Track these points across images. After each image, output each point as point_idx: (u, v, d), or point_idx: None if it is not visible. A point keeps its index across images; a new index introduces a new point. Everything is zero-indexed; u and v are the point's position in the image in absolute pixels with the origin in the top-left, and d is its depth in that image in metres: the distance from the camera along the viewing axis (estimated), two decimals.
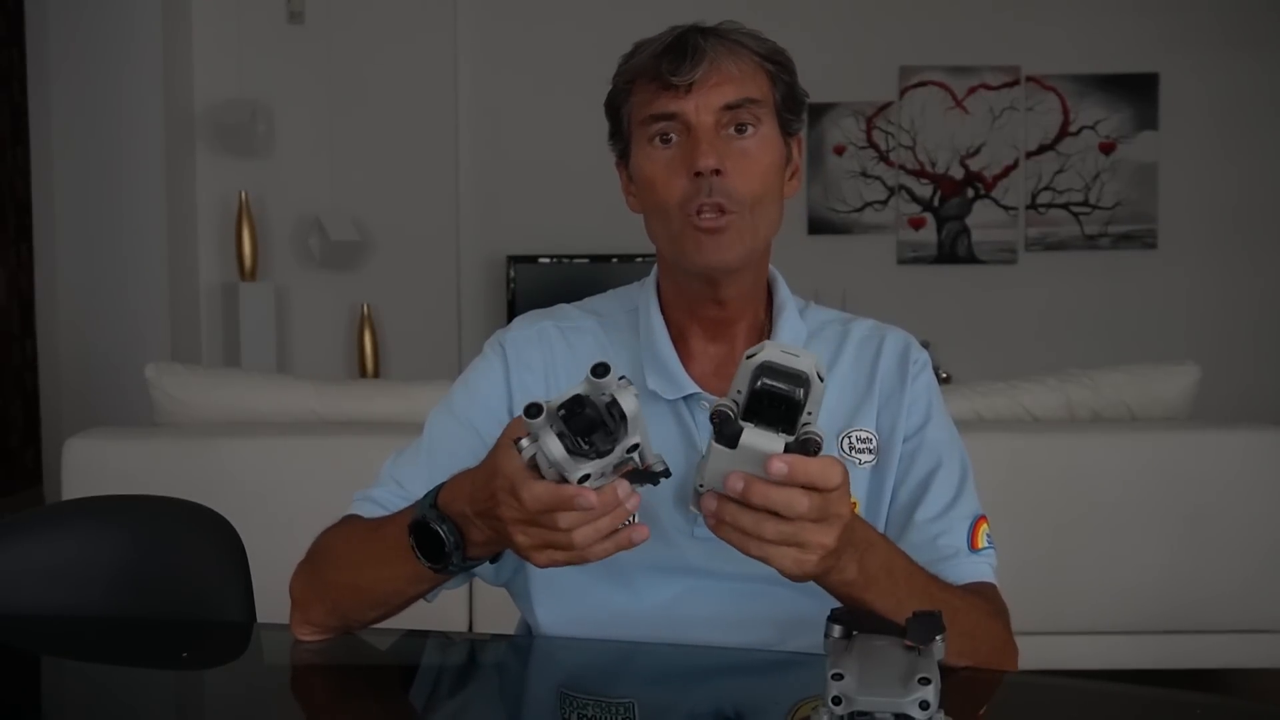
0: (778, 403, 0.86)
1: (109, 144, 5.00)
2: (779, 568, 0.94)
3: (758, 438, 0.87)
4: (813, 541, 0.92)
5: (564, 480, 0.90)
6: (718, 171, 1.19)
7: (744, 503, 0.90)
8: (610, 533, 0.95)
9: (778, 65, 1.25)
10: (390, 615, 1.21)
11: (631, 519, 0.95)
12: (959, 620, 1.10)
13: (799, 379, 0.86)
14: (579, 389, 0.89)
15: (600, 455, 0.89)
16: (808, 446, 0.88)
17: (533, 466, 0.93)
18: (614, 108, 1.28)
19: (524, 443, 0.91)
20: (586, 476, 0.89)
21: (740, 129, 1.21)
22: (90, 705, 1.15)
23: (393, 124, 5.37)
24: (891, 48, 5.52)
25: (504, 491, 0.96)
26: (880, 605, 1.02)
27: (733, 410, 0.87)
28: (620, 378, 0.89)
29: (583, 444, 0.89)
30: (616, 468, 0.91)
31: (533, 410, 0.88)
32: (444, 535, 1.05)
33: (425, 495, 1.09)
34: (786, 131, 1.26)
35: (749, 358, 0.88)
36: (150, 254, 5.02)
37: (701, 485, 0.92)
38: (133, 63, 4.98)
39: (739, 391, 0.88)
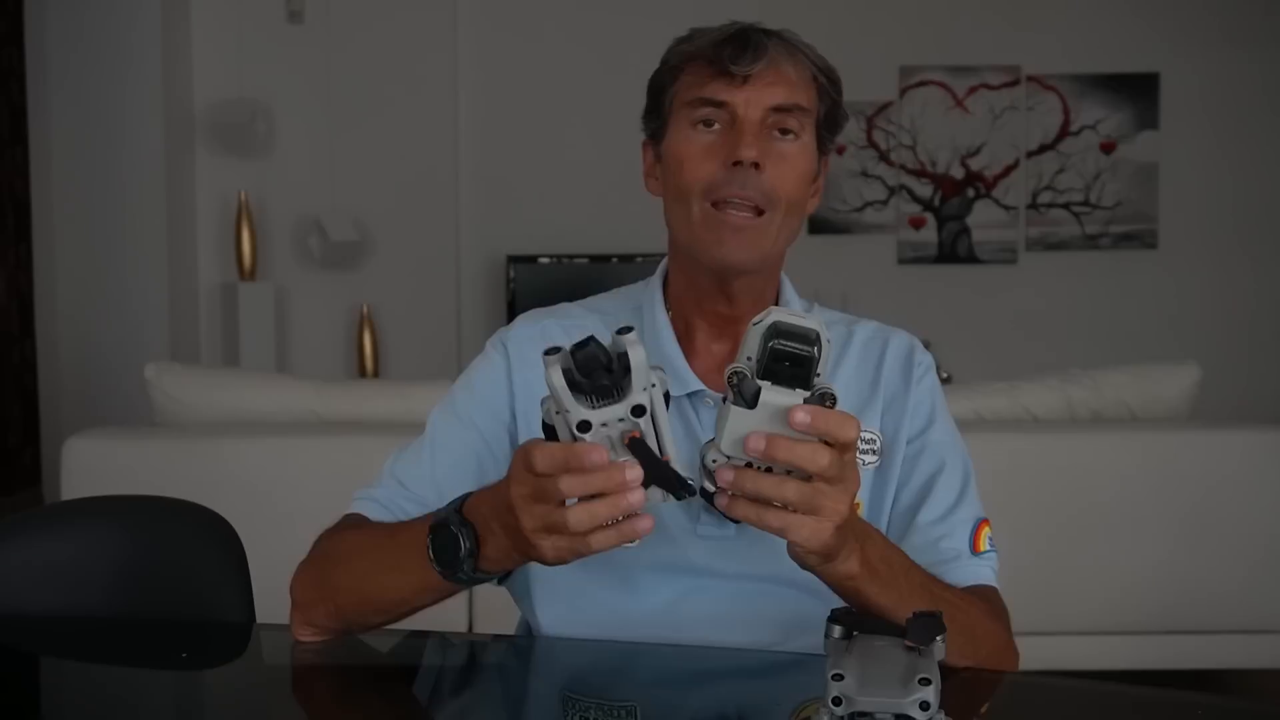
0: (792, 361, 0.88)
1: (109, 144, 5.00)
2: (797, 539, 0.93)
3: (776, 395, 0.88)
4: (828, 507, 0.92)
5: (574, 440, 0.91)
6: (756, 165, 1.19)
7: (766, 462, 0.90)
8: (610, 523, 0.93)
9: (829, 82, 1.25)
10: (393, 622, 1.20)
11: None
12: (957, 618, 1.09)
13: (810, 337, 0.88)
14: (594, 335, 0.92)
15: (599, 398, 0.90)
16: (825, 400, 0.89)
17: (549, 435, 0.94)
18: (658, 86, 1.27)
19: (544, 397, 0.93)
20: (586, 425, 0.90)
21: (783, 133, 1.22)
22: (90, 705, 1.14)
23: (393, 124, 5.37)
24: (891, 48, 5.52)
25: (518, 465, 0.95)
26: (882, 600, 1.02)
27: (748, 371, 0.89)
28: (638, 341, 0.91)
29: (583, 382, 0.90)
30: (623, 435, 0.91)
31: (551, 350, 0.91)
32: (461, 539, 1.03)
33: (452, 501, 1.08)
34: (821, 149, 1.27)
35: (756, 324, 0.90)
36: (150, 254, 5.02)
37: (714, 461, 0.92)
38: (133, 63, 4.98)
39: (749, 358, 0.90)
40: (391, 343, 5.39)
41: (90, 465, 2.72)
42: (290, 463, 2.76)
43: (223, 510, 1.45)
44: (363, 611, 1.18)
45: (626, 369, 0.90)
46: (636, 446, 0.91)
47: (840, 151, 5.58)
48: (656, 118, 1.28)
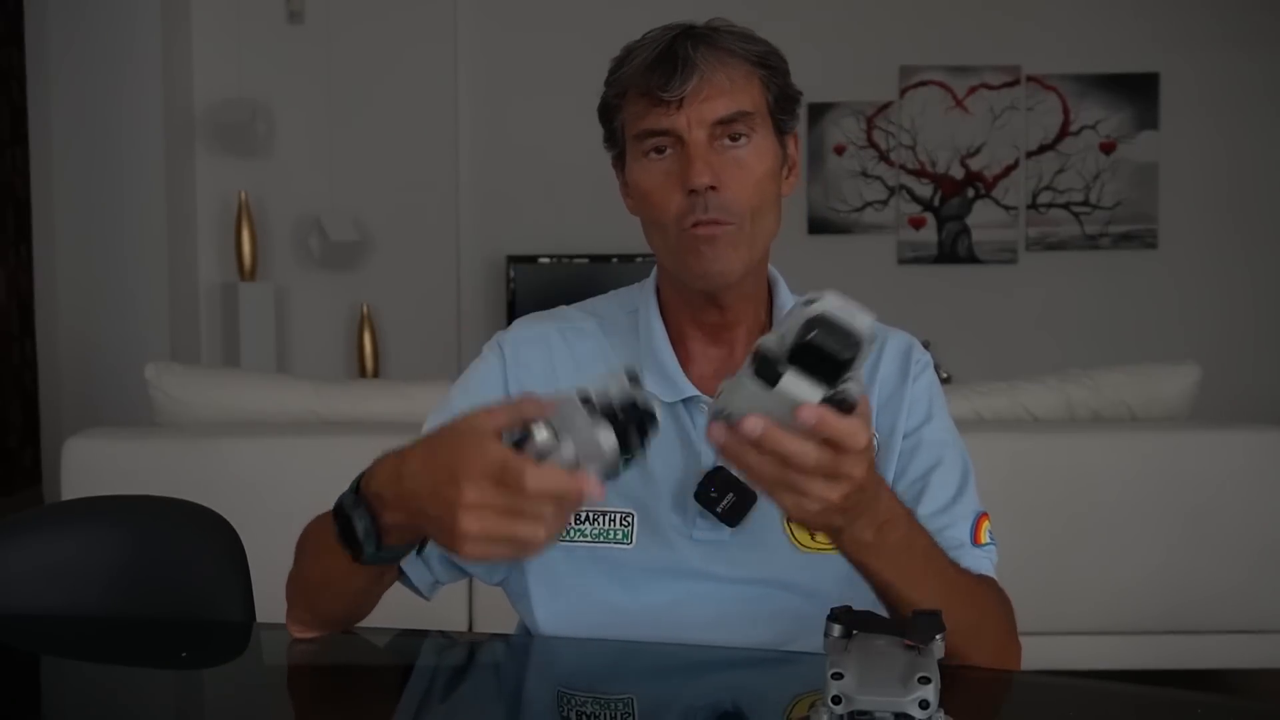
0: (825, 359, 0.84)
1: (109, 144, 5.00)
2: (779, 506, 0.93)
3: (797, 385, 0.84)
4: (814, 492, 0.91)
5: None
6: (713, 187, 1.18)
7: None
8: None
9: (769, 70, 1.22)
10: (358, 612, 1.20)
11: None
12: (977, 603, 1.11)
13: (852, 339, 0.83)
14: (628, 389, 0.90)
15: (630, 455, 0.90)
16: (844, 405, 0.86)
17: (518, 450, 0.91)
18: (606, 116, 1.27)
19: (541, 432, 0.90)
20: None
21: (734, 138, 1.20)
22: (90, 705, 1.14)
23: (393, 124, 5.37)
24: (891, 48, 5.52)
25: (478, 475, 0.91)
26: (893, 577, 1.03)
27: (775, 351, 0.85)
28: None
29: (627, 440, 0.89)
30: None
31: (585, 398, 0.89)
32: (354, 520, 1.01)
33: (354, 480, 1.05)
34: (781, 131, 1.25)
35: (806, 304, 0.85)
36: (150, 254, 5.03)
37: (722, 410, 0.88)
38: (133, 63, 4.98)
39: (784, 336, 0.85)
40: (391, 343, 5.39)
41: (90, 465, 2.72)
42: (290, 463, 2.76)
43: (223, 510, 1.46)
44: (323, 600, 1.17)
45: (654, 419, 0.91)
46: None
47: (840, 152, 5.58)
48: (614, 144, 1.27)
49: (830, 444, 0.88)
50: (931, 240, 5.62)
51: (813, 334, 0.83)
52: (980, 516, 1.24)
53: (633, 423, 0.89)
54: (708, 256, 1.20)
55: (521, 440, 0.92)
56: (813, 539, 1.21)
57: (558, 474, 0.90)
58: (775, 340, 0.85)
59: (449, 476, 0.92)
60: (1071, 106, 5.56)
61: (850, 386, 0.87)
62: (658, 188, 1.21)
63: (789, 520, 0.96)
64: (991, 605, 1.15)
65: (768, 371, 0.84)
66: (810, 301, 0.85)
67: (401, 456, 1.00)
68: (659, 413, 0.92)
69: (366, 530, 1.02)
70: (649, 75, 1.19)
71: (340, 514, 1.04)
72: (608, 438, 0.89)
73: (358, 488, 1.04)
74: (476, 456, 0.91)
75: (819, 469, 0.89)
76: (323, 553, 1.11)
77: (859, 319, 0.84)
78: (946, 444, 1.27)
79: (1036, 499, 2.78)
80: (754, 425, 0.87)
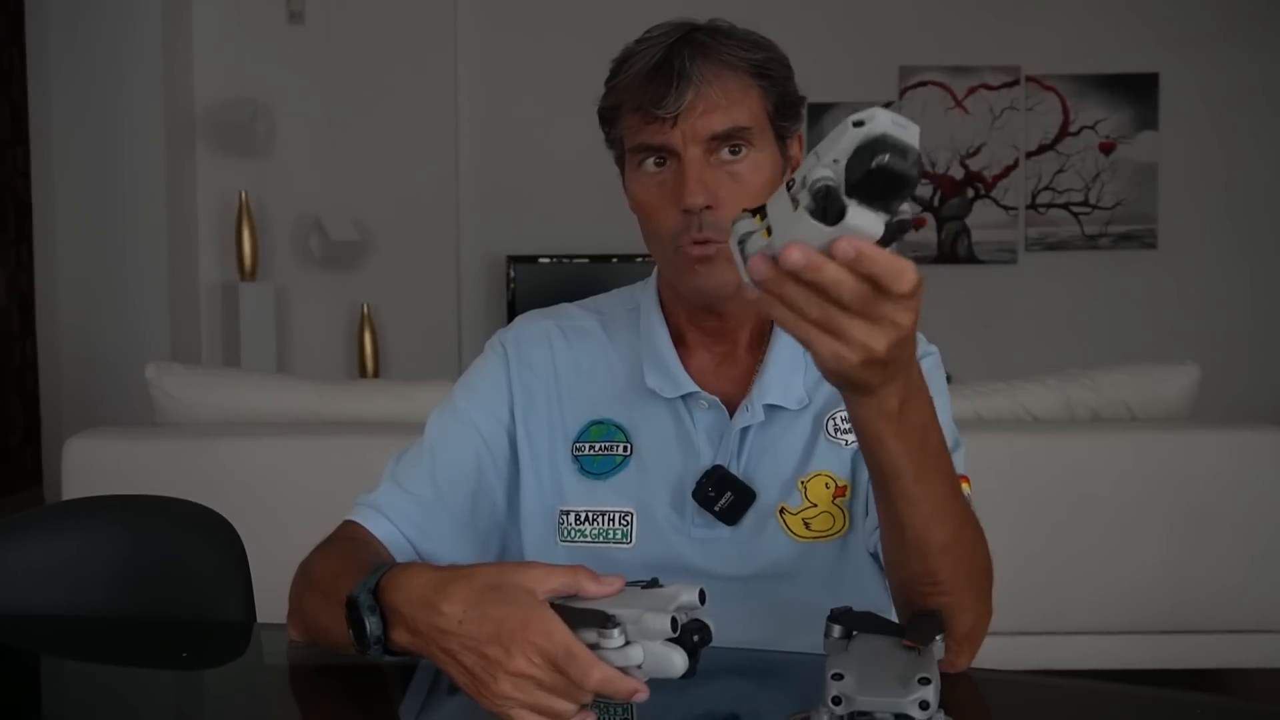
0: (891, 183, 0.74)
1: (109, 144, 5.00)
2: (817, 355, 0.83)
3: (860, 217, 0.76)
4: (855, 338, 0.81)
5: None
6: (708, 206, 1.17)
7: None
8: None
9: (769, 79, 1.20)
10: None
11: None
12: (972, 526, 1.05)
13: (913, 156, 0.74)
14: (699, 609, 0.92)
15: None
16: (903, 226, 0.78)
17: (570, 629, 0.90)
18: (605, 122, 1.26)
19: (615, 639, 0.88)
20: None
21: (733, 151, 1.18)
22: (90, 705, 1.15)
23: (393, 124, 5.37)
24: (891, 48, 5.52)
25: (534, 651, 0.88)
26: (905, 464, 0.95)
27: (834, 183, 0.75)
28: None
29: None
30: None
31: (675, 625, 0.89)
32: (366, 623, 0.97)
33: (373, 571, 1.00)
34: (782, 137, 1.23)
35: (857, 125, 0.75)
36: (150, 254, 5.03)
37: (769, 248, 0.79)
38: (133, 63, 4.98)
39: (836, 161, 0.75)
40: (391, 343, 5.39)
41: (90, 465, 2.72)
42: (290, 463, 2.76)
43: (223, 510, 1.46)
44: (325, 644, 1.14)
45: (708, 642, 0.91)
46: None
47: None
48: (615, 148, 1.26)
49: (873, 281, 0.79)
50: (931, 240, 5.62)
51: (879, 159, 0.73)
52: (960, 478, 1.22)
53: (699, 645, 0.90)
54: (703, 275, 1.20)
55: (569, 601, 0.91)
56: (798, 523, 1.21)
57: (619, 678, 0.88)
58: (829, 171, 0.76)
59: (498, 637, 0.89)
60: (1071, 107, 5.56)
61: (906, 206, 0.78)
62: (654, 201, 1.20)
63: (827, 376, 0.85)
64: (983, 541, 1.07)
65: (834, 209, 0.75)
66: (860, 123, 0.75)
67: (439, 589, 0.93)
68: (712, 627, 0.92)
69: (376, 638, 0.97)
70: (644, 89, 1.17)
71: (353, 607, 0.99)
72: (681, 660, 0.88)
73: (375, 587, 0.98)
74: (538, 631, 0.88)
75: (853, 304, 0.79)
76: (330, 611, 1.06)
77: (911, 131, 0.75)
78: (944, 425, 1.25)
79: (1036, 499, 2.79)
80: (795, 257, 0.76)
